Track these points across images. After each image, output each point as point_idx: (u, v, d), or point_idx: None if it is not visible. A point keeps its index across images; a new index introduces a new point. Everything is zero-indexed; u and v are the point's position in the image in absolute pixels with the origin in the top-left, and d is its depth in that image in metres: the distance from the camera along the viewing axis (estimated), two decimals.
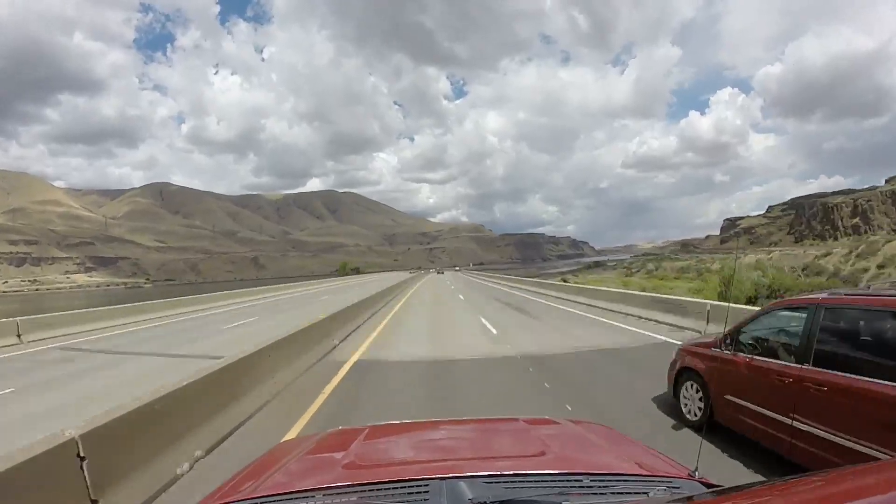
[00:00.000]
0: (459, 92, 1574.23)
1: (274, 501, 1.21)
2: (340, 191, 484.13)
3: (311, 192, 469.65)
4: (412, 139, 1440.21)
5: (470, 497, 1.11)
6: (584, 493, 1.18)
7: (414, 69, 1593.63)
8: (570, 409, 5.12)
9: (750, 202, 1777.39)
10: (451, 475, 1.22)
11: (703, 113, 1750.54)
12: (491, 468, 1.33)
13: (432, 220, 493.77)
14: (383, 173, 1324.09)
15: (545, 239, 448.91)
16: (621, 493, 1.18)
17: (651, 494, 1.20)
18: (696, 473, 1.34)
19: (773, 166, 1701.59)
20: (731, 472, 3.67)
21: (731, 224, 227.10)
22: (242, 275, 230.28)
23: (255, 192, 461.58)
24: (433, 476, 1.23)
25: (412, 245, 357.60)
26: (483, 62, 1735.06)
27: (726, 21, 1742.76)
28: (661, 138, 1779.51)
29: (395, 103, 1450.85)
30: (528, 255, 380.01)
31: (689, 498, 1.08)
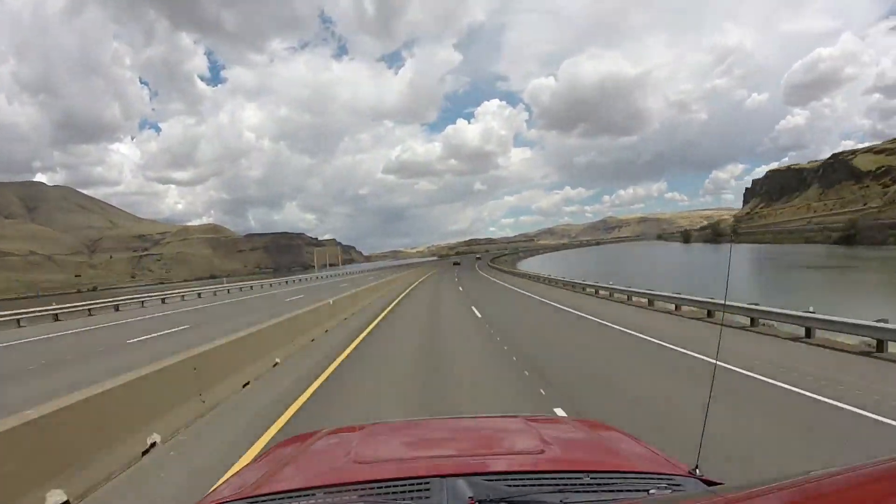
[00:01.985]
0: (218, 76, 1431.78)
1: (275, 500, 1.27)
2: (51, 184, 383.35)
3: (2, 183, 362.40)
4: (158, 129, 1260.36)
5: (470, 495, 1.15)
6: (584, 491, 1.22)
7: (170, 35, 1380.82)
8: None
9: (500, 210, 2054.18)
10: (451, 473, 1.27)
11: (470, 121, 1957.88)
12: (491, 466, 1.40)
13: (162, 221, 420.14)
14: (124, 170, 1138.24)
15: (306, 241, 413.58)
16: (622, 491, 1.23)
17: (652, 492, 1.25)
18: (697, 471, 1.39)
19: (528, 177, 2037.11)
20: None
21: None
22: None
23: None
24: (434, 474, 1.28)
25: (119, 252, 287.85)
26: (251, 38, 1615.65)
27: (511, 32, 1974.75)
28: (426, 144, 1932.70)
29: (142, 81, 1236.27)
30: (283, 261, 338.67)
31: (691, 495, 1.11)
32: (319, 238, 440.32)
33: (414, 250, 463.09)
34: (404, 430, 2.16)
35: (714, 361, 7.57)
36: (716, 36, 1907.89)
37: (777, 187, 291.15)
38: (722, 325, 3.67)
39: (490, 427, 2.10)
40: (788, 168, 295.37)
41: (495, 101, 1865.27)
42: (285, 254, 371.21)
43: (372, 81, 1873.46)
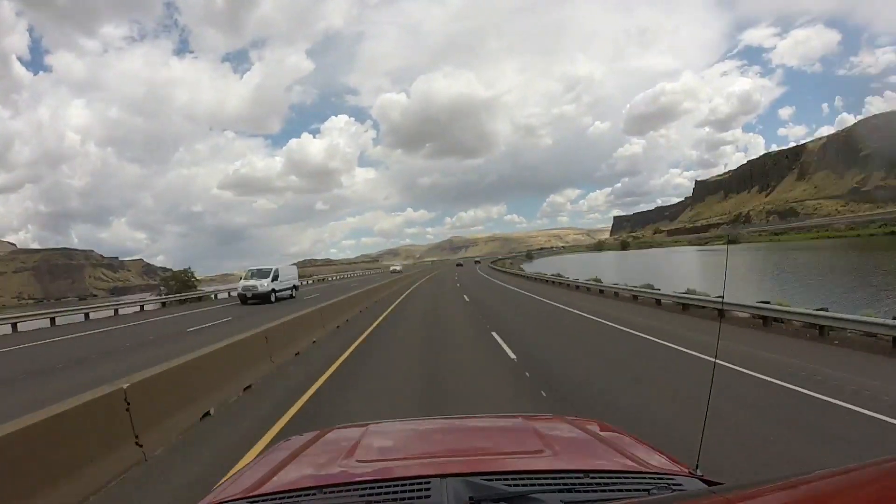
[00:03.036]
0: (41, 62, 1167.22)
1: (275, 499, 1.29)
2: None
3: None
4: None
5: (471, 495, 1.17)
6: (584, 491, 1.24)
7: None
8: None
9: (342, 231, 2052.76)
10: (451, 473, 1.30)
11: (315, 136, 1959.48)
12: (492, 466, 1.43)
13: None
14: None
15: (93, 261, 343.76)
16: (622, 491, 1.25)
17: (652, 492, 1.27)
18: (698, 470, 1.43)
19: (370, 197, 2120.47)
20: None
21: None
22: None
23: None
24: (434, 474, 1.30)
25: None
26: (84, 19, 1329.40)
27: (368, 42, 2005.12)
28: (266, 158, 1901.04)
29: None
30: (57, 288, 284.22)
31: (691, 495, 1.11)
32: (121, 258, 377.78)
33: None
34: (404, 429, 2.19)
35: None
36: (568, 65, 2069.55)
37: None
38: (720, 323, 4.38)
39: (490, 427, 2.15)
40: None
41: (343, 117, 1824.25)
42: (61, 278, 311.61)
43: (214, 84, 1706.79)
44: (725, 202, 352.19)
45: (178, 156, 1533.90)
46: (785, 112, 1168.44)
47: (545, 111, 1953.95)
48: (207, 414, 6.25)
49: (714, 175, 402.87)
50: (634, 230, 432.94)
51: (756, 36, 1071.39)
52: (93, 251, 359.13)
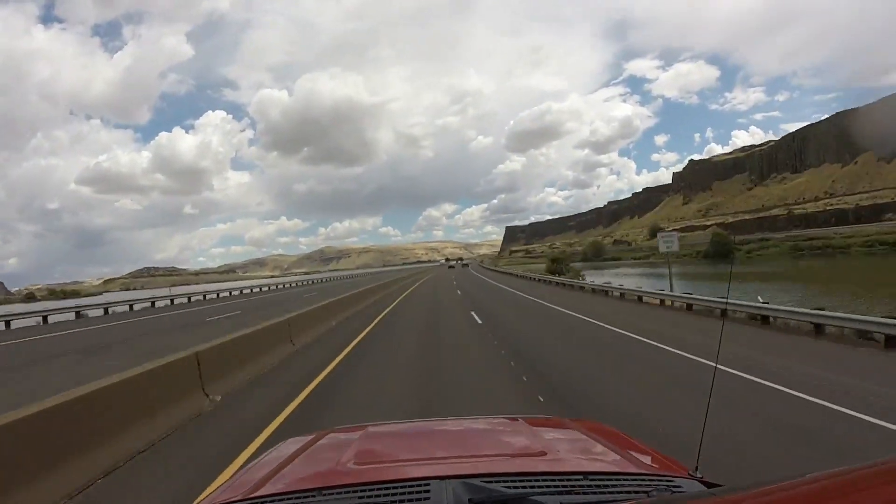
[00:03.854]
0: None
1: (274, 501, 1.30)
2: None
3: None
4: None
5: (470, 497, 1.17)
6: (584, 493, 1.24)
7: None
8: None
9: (212, 238, 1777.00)
10: (451, 475, 1.30)
11: (188, 131, 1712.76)
12: (491, 467, 1.44)
13: None
14: None
15: None
16: (622, 493, 1.25)
17: (651, 494, 1.27)
18: (697, 472, 1.43)
19: (243, 203, 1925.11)
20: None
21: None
22: None
23: None
24: (434, 476, 1.31)
25: None
26: None
27: (254, 32, 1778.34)
28: (132, 153, 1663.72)
29: None
30: None
31: (690, 497, 1.12)
32: None
33: (99, 281, 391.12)
34: (404, 431, 2.22)
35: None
36: (457, 78, 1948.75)
37: None
38: (723, 324, 3.10)
39: (490, 429, 2.16)
40: None
41: (220, 113, 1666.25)
42: None
43: (81, 62, 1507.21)
44: (783, 184, 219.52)
45: (34, 143, 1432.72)
46: (660, 139, 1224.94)
47: (430, 121, 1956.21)
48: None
49: (720, 153, 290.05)
50: (530, 241, 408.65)
51: (641, 66, 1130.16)
52: None
